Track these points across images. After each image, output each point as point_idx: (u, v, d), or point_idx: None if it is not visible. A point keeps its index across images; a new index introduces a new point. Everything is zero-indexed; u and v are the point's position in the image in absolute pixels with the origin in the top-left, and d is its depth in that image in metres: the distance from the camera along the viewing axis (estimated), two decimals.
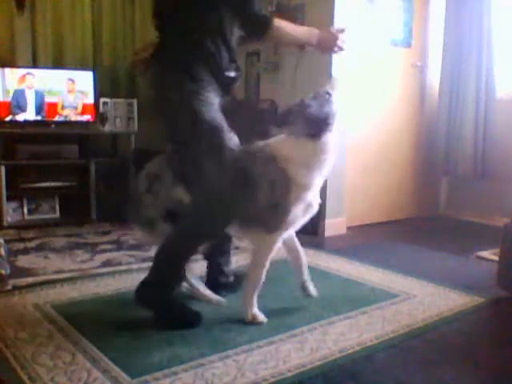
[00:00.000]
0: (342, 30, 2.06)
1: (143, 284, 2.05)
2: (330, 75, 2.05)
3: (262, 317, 2.03)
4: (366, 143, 3.92)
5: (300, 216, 1.98)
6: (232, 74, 2.05)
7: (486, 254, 3.12)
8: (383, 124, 4.03)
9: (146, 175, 2.13)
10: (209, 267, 2.36)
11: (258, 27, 1.95)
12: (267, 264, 2.00)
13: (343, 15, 3.52)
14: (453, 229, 4.00)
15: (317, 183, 1.97)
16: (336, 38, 2.04)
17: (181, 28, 1.98)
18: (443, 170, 4.24)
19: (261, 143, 2.04)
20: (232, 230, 2.09)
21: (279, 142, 1.98)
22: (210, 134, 1.93)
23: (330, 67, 3.51)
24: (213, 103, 1.97)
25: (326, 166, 1.95)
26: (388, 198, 4.14)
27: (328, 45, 2.06)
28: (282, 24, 1.97)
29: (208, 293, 2.19)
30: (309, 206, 1.98)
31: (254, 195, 1.91)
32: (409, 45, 4.12)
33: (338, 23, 3.48)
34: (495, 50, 3.89)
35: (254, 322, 2.00)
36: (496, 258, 2.59)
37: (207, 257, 2.35)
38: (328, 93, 1.95)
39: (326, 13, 3.52)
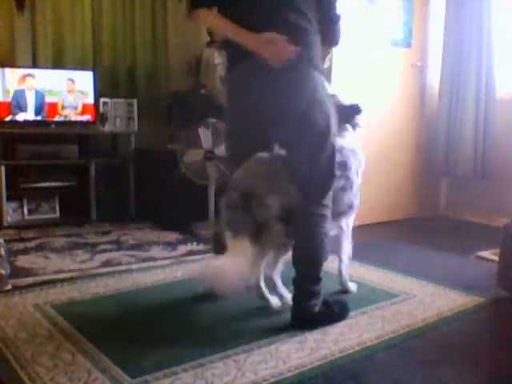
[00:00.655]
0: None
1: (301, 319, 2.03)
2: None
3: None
4: (366, 143, 3.90)
5: None
6: None
7: (486, 253, 3.12)
8: (383, 124, 4.03)
9: (265, 175, 1.96)
10: None
11: (335, 38, 2.16)
12: None
13: (343, 15, 3.51)
14: (453, 229, 4.00)
15: None
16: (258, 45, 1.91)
17: (298, 22, 1.95)
18: (443, 171, 4.24)
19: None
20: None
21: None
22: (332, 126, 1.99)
23: (329, 67, 3.51)
24: None
25: None
26: (388, 198, 4.14)
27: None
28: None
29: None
30: None
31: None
32: (409, 45, 4.12)
33: None
34: (495, 50, 3.90)
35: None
36: (496, 258, 2.59)
37: None
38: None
39: None
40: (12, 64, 3.75)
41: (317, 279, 2.00)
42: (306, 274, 2.00)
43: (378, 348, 1.86)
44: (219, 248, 2.05)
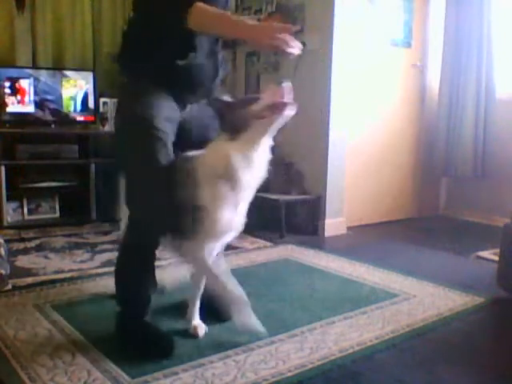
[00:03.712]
0: (284, 28, 1.62)
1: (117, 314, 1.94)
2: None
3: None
4: (366, 143, 3.92)
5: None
6: (183, 62, 1.79)
7: (486, 253, 3.12)
8: (383, 124, 4.03)
9: None
10: None
11: (175, 4, 1.65)
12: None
13: (343, 15, 3.52)
14: (453, 229, 4.00)
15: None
16: (273, 33, 1.59)
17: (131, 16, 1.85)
18: (443, 171, 4.24)
19: None
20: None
21: None
22: (140, 136, 1.74)
23: (329, 67, 3.52)
24: (154, 99, 1.76)
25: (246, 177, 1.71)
26: (388, 199, 4.14)
27: (261, 41, 1.64)
28: (207, 9, 1.64)
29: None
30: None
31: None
32: (409, 45, 4.12)
33: (337, 23, 3.49)
34: (495, 50, 3.89)
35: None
36: (496, 258, 2.59)
37: None
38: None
39: (325, 13, 3.52)
40: (12, 64, 3.75)
41: None
42: None
43: (378, 348, 1.86)
44: None
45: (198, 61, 1.81)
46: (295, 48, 1.62)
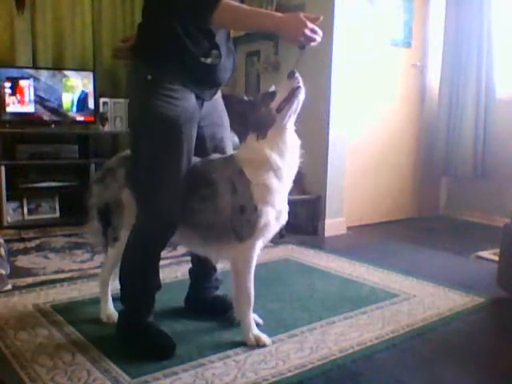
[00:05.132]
0: (314, 19, 1.69)
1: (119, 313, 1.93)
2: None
3: (264, 337, 1.85)
4: (366, 143, 3.92)
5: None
6: (208, 60, 1.75)
7: (485, 254, 3.12)
8: (383, 124, 4.03)
9: (104, 167, 2.11)
10: (191, 287, 2.18)
11: (201, 2, 1.63)
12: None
13: (343, 15, 3.52)
14: (453, 229, 4.00)
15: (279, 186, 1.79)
16: (303, 26, 1.63)
17: (145, 7, 1.79)
18: (443, 171, 4.24)
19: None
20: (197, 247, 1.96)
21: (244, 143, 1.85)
22: (163, 136, 1.73)
23: (329, 67, 3.52)
24: (179, 98, 1.73)
25: (285, 166, 1.78)
26: (388, 199, 4.14)
27: (291, 33, 1.66)
28: (234, 4, 1.65)
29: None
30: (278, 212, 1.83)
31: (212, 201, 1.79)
32: (409, 45, 4.12)
33: (337, 23, 3.49)
34: (495, 50, 3.89)
35: (258, 344, 1.83)
36: (496, 258, 2.59)
37: (192, 277, 2.18)
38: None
39: (325, 13, 3.51)
40: (12, 64, 3.75)
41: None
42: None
43: (378, 348, 1.86)
44: None
45: (221, 59, 1.80)
46: (319, 38, 1.69)
